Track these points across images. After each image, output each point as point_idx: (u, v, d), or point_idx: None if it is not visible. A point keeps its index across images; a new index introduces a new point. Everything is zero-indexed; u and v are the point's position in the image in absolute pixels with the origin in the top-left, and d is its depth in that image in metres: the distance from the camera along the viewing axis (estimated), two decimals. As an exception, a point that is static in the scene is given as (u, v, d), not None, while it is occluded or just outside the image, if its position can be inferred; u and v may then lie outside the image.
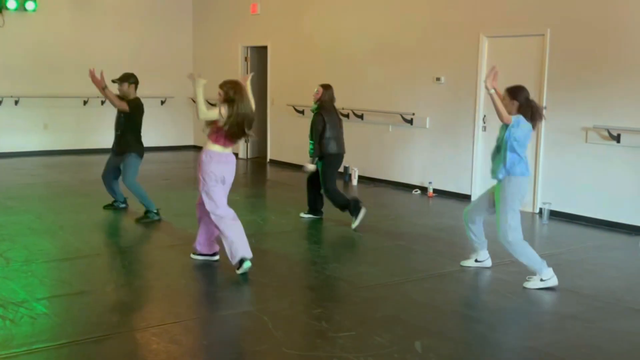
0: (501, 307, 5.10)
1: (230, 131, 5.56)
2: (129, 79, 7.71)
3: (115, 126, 7.79)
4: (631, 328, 4.74)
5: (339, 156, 7.57)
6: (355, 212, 7.32)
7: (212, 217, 5.63)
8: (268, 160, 12.99)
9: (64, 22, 13.24)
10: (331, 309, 4.90)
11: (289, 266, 6.05)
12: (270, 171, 12.22)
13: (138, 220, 7.46)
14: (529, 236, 7.70)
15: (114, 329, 4.45)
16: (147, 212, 7.51)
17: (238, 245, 5.57)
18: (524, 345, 4.36)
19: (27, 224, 7.33)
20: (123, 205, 8.12)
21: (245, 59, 13.42)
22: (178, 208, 8.27)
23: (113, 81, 7.68)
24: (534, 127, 5.52)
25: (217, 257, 5.99)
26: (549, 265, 5.53)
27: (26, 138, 13.01)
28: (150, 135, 13.21)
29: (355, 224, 7.29)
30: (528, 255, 5.48)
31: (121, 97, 7.64)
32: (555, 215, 8.07)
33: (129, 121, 7.64)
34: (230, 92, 5.54)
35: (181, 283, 5.54)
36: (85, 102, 13.44)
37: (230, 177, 5.72)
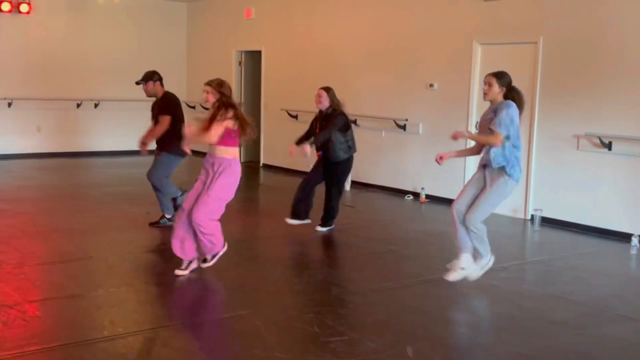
0: (491, 312, 5.13)
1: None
2: (153, 76, 7.36)
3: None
4: (620, 334, 4.78)
5: (352, 159, 7.47)
6: (328, 222, 7.43)
7: (206, 224, 5.49)
8: (261, 164, 13.01)
9: (58, 25, 13.23)
10: (323, 314, 4.92)
11: (281, 271, 6.07)
12: (263, 175, 12.24)
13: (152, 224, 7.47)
14: (521, 243, 7.77)
15: (107, 332, 4.47)
16: (162, 216, 7.45)
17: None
18: (514, 350, 4.39)
19: (20, 226, 7.33)
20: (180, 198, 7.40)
21: (240, 63, 13.45)
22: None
23: (137, 83, 7.40)
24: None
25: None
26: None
27: (19, 140, 12.98)
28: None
29: (322, 229, 7.39)
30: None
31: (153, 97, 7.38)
32: (546, 222, 8.12)
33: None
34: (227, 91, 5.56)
35: (174, 287, 5.55)
36: (78, 105, 13.43)
37: None
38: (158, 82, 7.37)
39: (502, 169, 5.27)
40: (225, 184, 5.50)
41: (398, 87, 10.13)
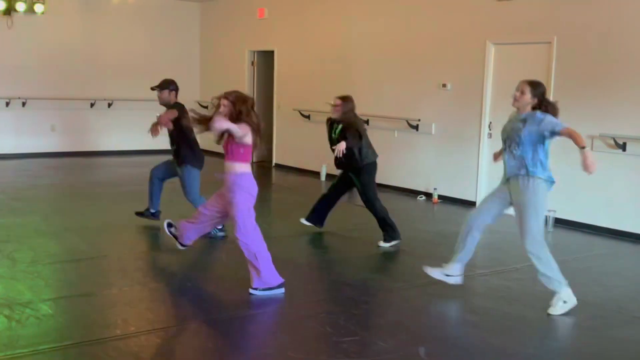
0: (504, 313, 5.10)
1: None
2: (169, 86, 7.23)
3: (170, 140, 7.28)
4: (635, 336, 4.75)
5: (376, 164, 7.24)
6: (391, 236, 7.05)
7: (244, 245, 5.29)
8: (273, 164, 13.02)
9: (72, 25, 13.31)
10: (335, 314, 4.92)
11: (293, 271, 6.06)
12: (275, 175, 12.25)
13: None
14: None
15: (119, 331, 4.48)
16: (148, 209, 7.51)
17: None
18: (527, 352, 4.37)
19: (33, 225, 7.38)
20: (152, 217, 7.53)
21: (252, 63, 13.47)
22: (187, 211, 8.28)
23: (152, 89, 7.29)
24: None
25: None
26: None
27: (33, 139, 13.07)
28: (155, 139, 13.32)
29: (385, 245, 7.02)
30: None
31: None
32: (560, 223, 8.08)
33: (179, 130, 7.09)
34: (243, 107, 5.24)
35: (186, 286, 5.57)
36: (92, 105, 13.50)
37: None
38: (173, 92, 7.25)
39: (528, 175, 5.08)
40: (240, 201, 5.29)
41: (411, 87, 10.11)
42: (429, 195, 9.78)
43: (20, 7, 12.49)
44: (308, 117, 11.90)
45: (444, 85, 9.59)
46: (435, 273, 5.46)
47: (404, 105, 10.20)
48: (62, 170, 11.79)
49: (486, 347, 4.43)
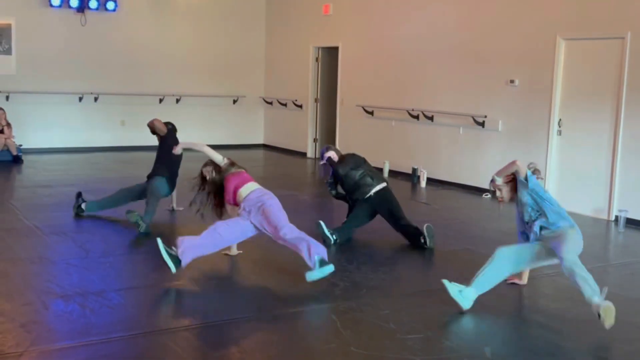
0: (573, 315, 4.99)
1: None
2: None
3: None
4: None
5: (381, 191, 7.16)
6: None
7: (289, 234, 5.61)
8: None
9: (143, 22, 13.65)
10: (399, 311, 4.91)
11: (357, 266, 6.08)
12: (338, 171, 12.25)
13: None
14: (604, 244, 7.53)
15: (188, 322, 4.58)
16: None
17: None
18: (596, 355, 4.28)
19: (104, 217, 7.60)
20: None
21: (317, 59, 13.52)
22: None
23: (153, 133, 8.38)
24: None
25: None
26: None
27: (104, 134, 13.48)
28: (221, 134, 13.56)
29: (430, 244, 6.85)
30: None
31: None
32: (631, 223, 7.84)
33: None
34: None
35: (252, 279, 5.65)
36: (160, 100, 13.80)
37: None
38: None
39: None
40: (273, 202, 5.72)
41: (477, 83, 9.97)
42: (494, 194, 9.61)
43: (93, 4, 12.89)
44: (371, 113, 11.88)
45: (512, 81, 9.43)
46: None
47: (470, 101, 10.07)
48: (131, 164, 12.08)
49: (554, 350, 4.35)
